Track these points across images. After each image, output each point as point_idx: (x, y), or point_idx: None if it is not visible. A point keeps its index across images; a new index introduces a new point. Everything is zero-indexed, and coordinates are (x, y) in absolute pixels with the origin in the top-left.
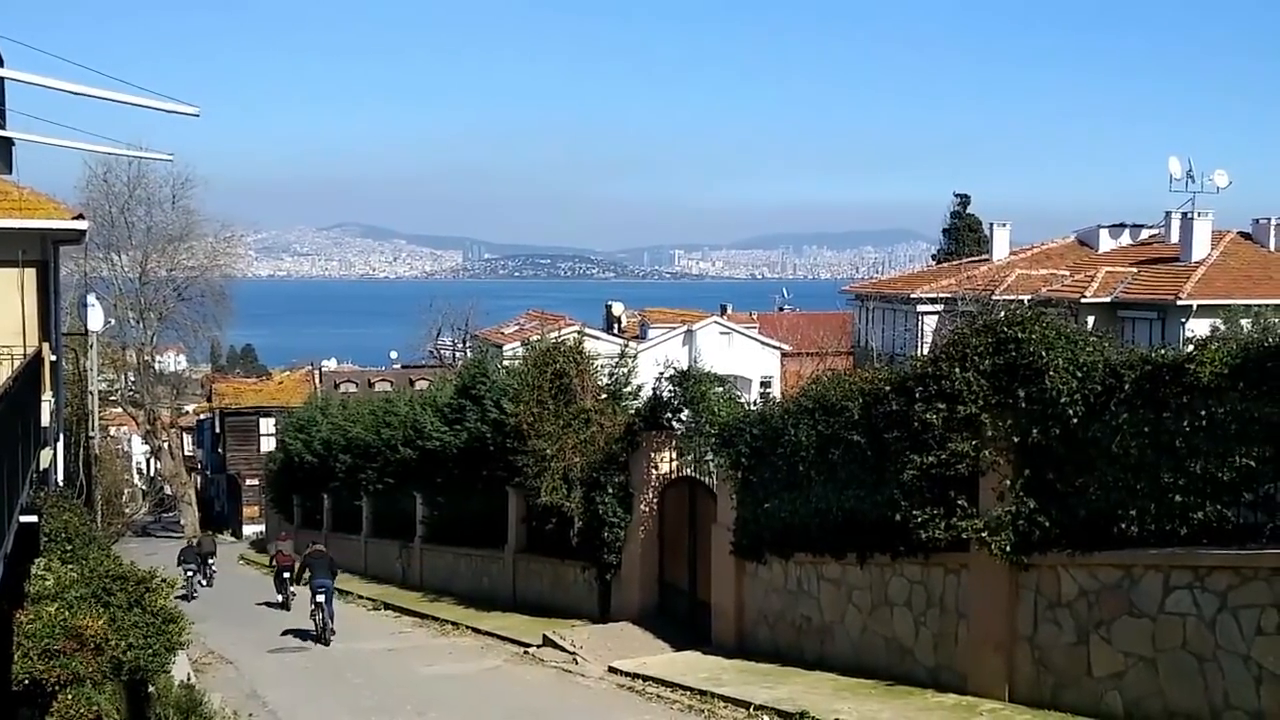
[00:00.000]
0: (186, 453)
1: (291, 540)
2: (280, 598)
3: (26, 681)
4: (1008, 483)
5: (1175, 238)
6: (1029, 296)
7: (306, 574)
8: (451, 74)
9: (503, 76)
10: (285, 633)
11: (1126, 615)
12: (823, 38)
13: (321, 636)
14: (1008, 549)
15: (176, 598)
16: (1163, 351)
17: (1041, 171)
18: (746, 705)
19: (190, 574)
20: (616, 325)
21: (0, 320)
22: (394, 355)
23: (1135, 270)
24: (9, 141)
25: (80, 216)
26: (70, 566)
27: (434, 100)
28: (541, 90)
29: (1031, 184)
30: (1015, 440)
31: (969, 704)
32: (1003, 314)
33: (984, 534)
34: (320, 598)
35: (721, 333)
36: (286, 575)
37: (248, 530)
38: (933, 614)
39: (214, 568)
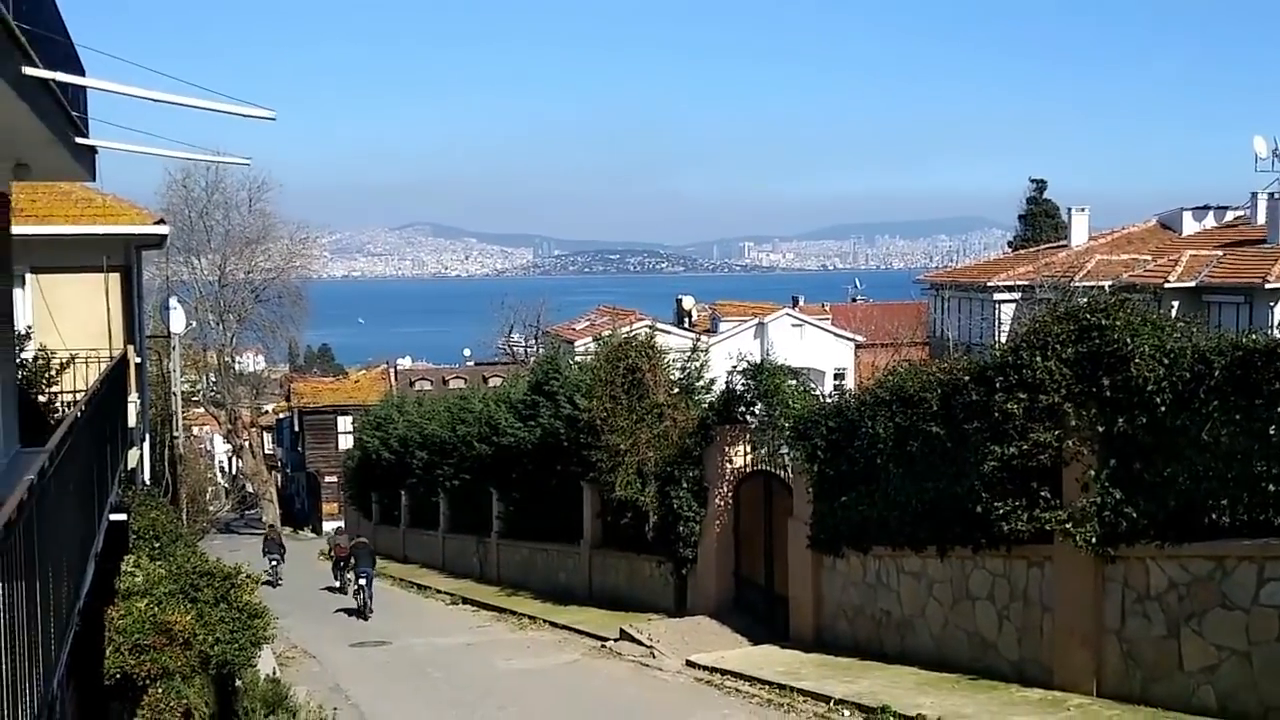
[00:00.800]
0: (267, 451)
1: (346, 536)
2: (338, 583)
3: (118, 676)
4: (1092, 473)
5: (1262, 219)
6: (1110, 282)
7: (353, 561)
8: (518, 71)
9: (569, 72)
10: (338, 610)
11: (1219, 608)
12: (890, 25)
13: (362, 613)
14: (1093, 541)
15: (264, 584)
16: (1254, 337)
17: (1121, 154)
18: (826, 699)
19: (275, 563)
20: (687, 319)
21: (86, 324)
22: (467, 353)
23: (1220, 253)
24: (92, 150)
25: (161, 221)
26: (158, 563)
27: (502, 98)
28: (609, 85)
29: (1111, 167)
30: (1099, 430)
31: (1056, 698)
32: (1085, 300)
33: (1068, 525)
34: (362, 581)
35: (794, 325)
36: (341, 564)
37: (327, 526)
38: (1016, 607)
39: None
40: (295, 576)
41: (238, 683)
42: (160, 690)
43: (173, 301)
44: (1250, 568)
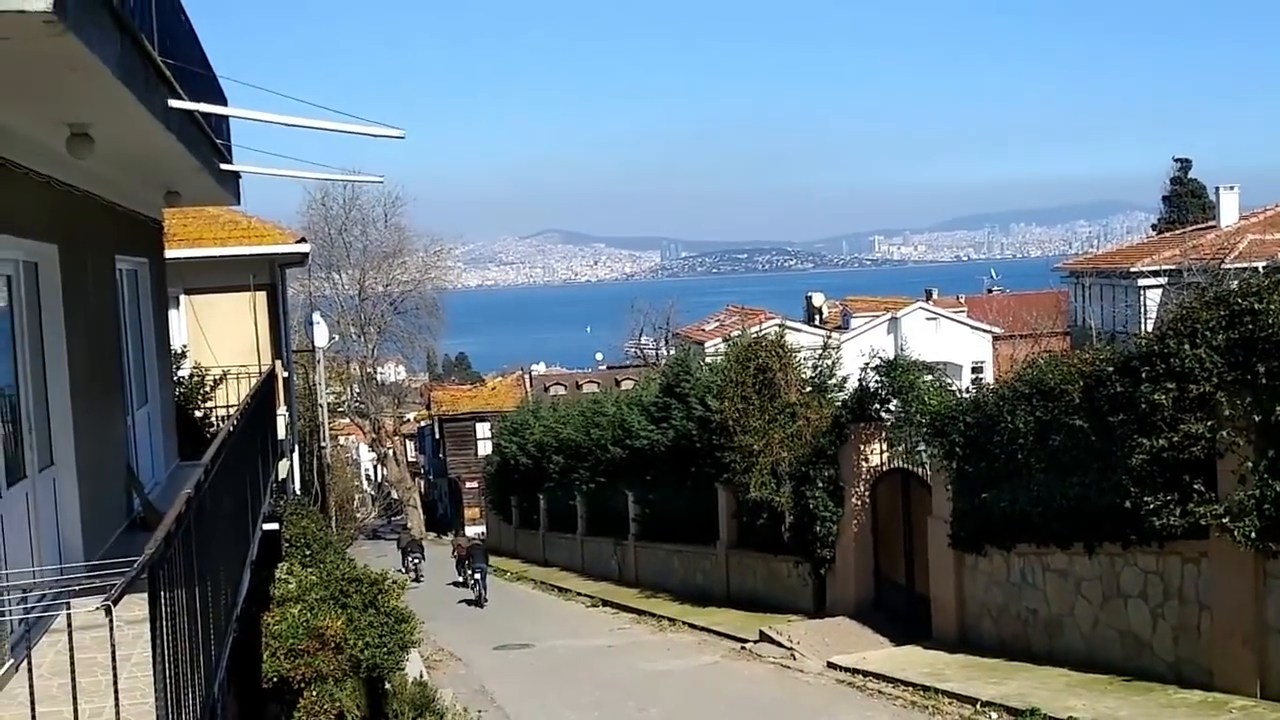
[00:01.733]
0: (410, 458)
1: (465, 538)
2: (461, 578)
3: (275, 679)
4: (1249, 465)
5: None
6: (1264, 263)
7: (470, 559)
8: (639, 74)
9: (687, 71)
10: (460, 601)
11: None
12: (1018, 5)
13: (478, 601)
14: (1253, 535)
15: (465, 602)
16: None
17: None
18: (973, 701)
19: (417, 561)
20: (817, 316)
21: (235, 341)
22: (599, 356)
23: None
24: (236, 175)
25: (302, 240)
26: (310, 570)
27: (622, 101)
28: (726, 81)
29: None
30: (1256, 419)
31: (1216, 701)
32: (1236, 284)
33: (1225, 520)
34: (478, 575)
35: (928, 318)
36: (464, 562)
37: (470, 531)
38: (1171, 606)
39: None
40: (435, 579)
41: (387, 685)
42: (315, 693)
43: (316, 316)
44: None
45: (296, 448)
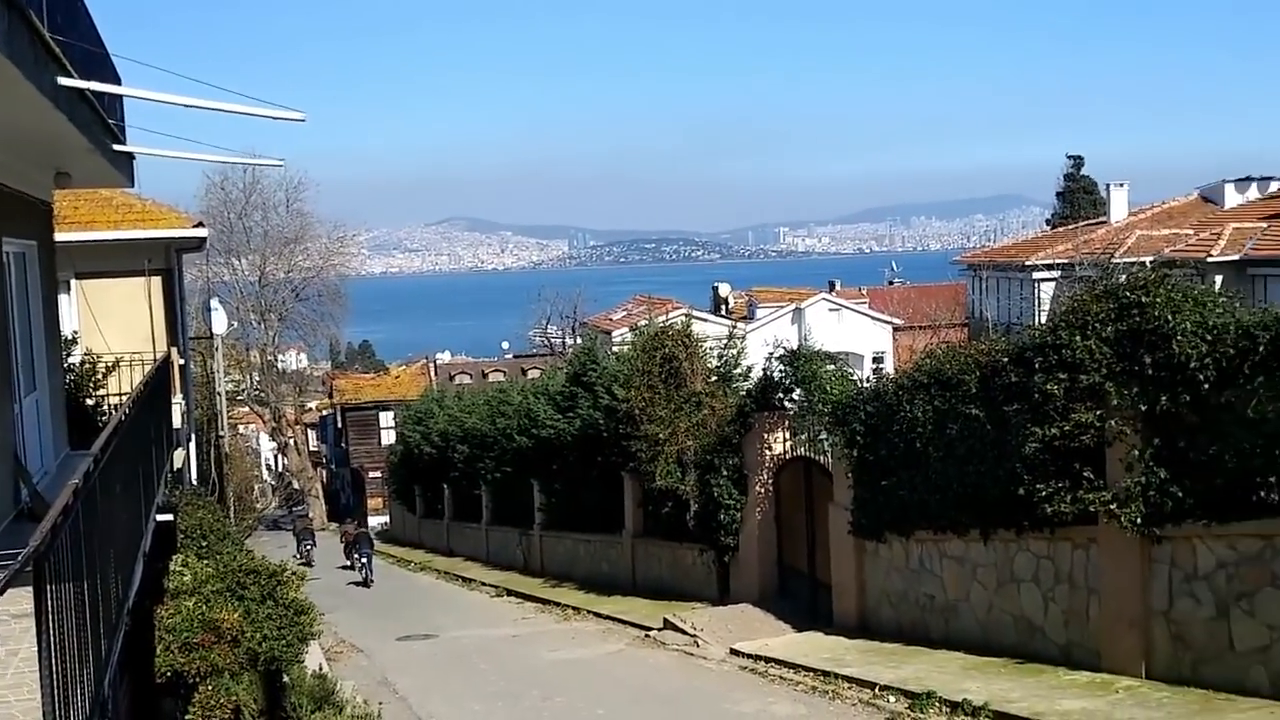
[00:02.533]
0: (311, 448)
1: (354, 524)
2: (349, 561)
3: (169, 674)
4: (1136, 453)
5: None
6: (1151, 258)
7: (355, 545)
8: (546, 60)
9: (605, 61)
10: (349, 583)
11: (1270, 587)
12: (917, 5)
13: (365, 582)
14: (1139, 521)
15: (353, 584)
16: None
17: (1160, 128)
18: (872, 685)
19: (309, 548)
20: (724, 306)
21: (130, 328)
22: (505, 345)
23: (1265, 225)
24: (130, 156)
25: (200, 224)
26: (205, 562)
27: (531, 89)
28: (643, 73)
29: (1149, 141)
30: (1142, 409)
31: (1104, 681)
32: (1125, 278)
33: (1113, 506)
34: (364, 559)
35: (830, 310)
36: (349, 547)
37: (373, 521)
38: (1062, 590)
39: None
40: (328, 566)
41: (285, 679)
42: (210, 687)
43: (214, 302)
44: None
45: (193, 437)
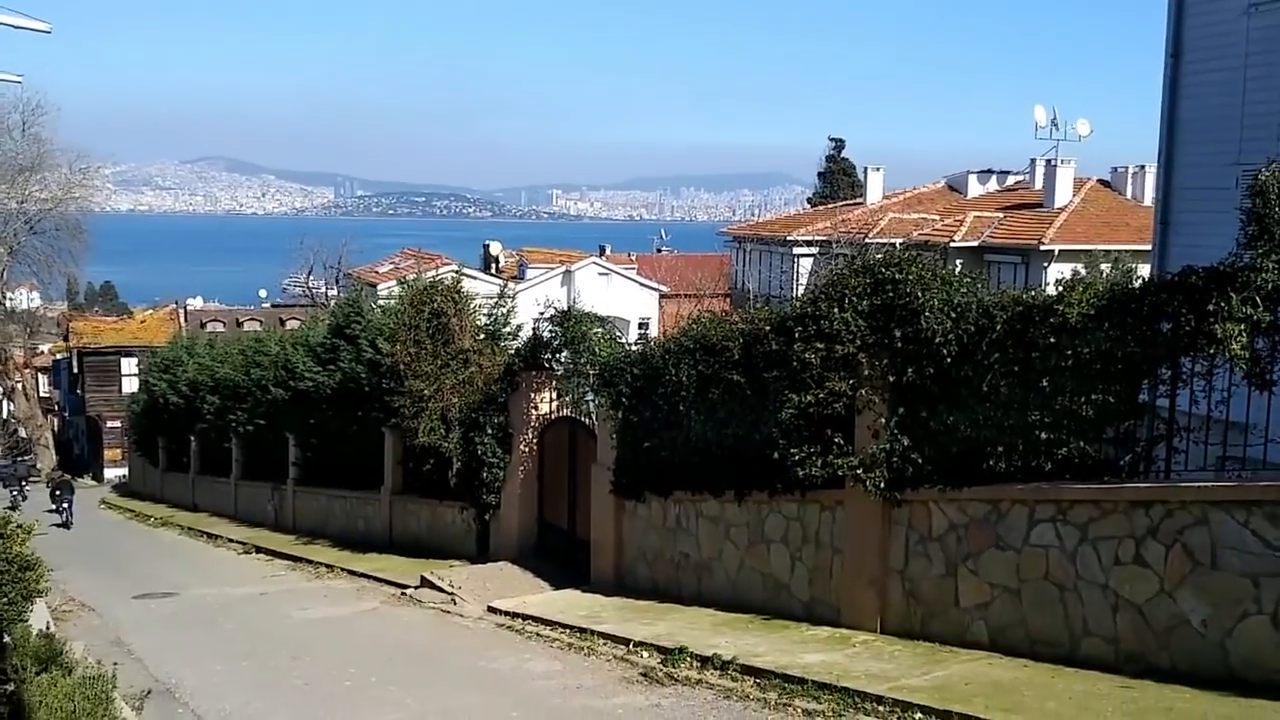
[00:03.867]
0: (43, 394)
1: (58, 472)
2: (54, 506)
3: None
4: (882, 421)
5: (1039, 184)
6: (901, 240)
7: (59, 490)
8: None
9: (373, 8)
10: (51, 525)
11: (993, 548)
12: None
13: (66, 524)
14: (881, 485)
15: (54, 526)
16: (1033, 293)
17: (915, 119)
18: (626, 642)
19: (68, 504)
20: (495, 265)
21: None
22: (263, 294)
23: (1001, 215)
24: None
25: None
26: None
27: (301, 30)
28: (413, 24)
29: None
30: (890, 379)
31: (843, 635)
32: (881, 255)
33: (859, 471)
34: (65, 504)
35: (600, 273)
36: (55, 493)
37: (110, 474)
38: (808, 550)
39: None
40: (73, 529)
41: (6, 639)
42: None
43: None
44: (1022, 510)
45: None
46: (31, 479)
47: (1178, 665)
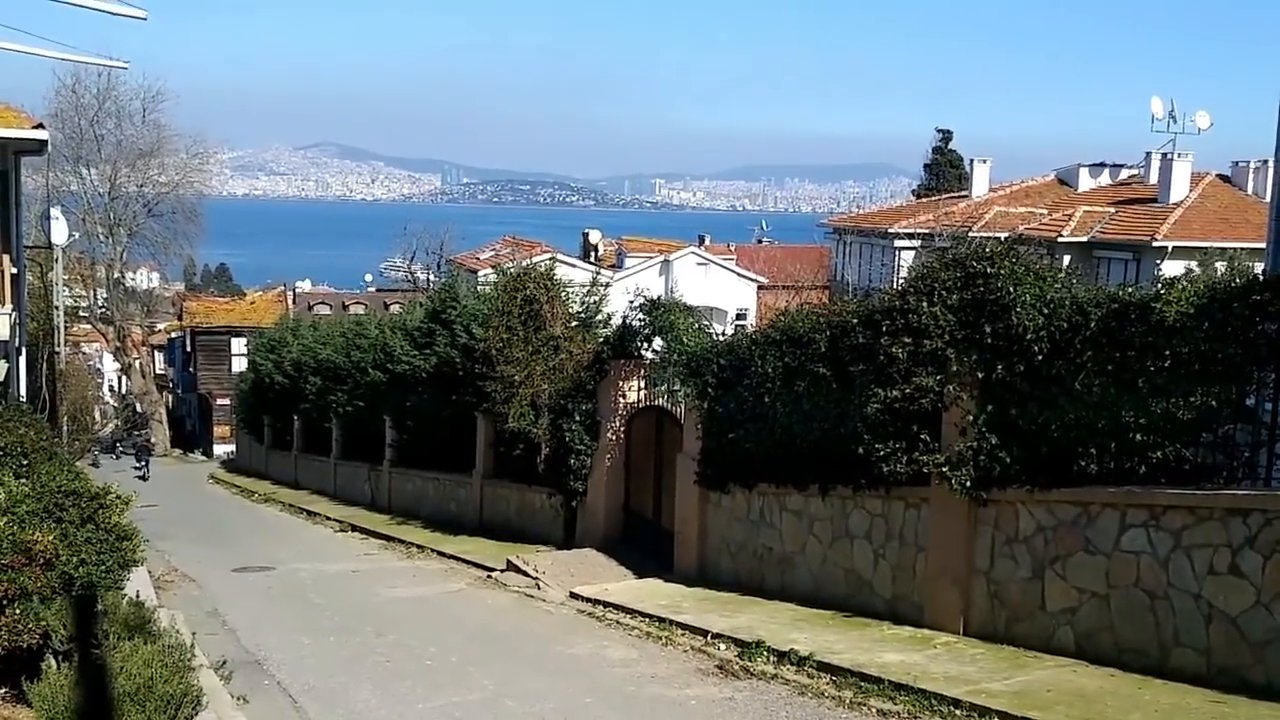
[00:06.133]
0: (158, 371)
1: (141, 437)
2: (139, 464)
3: None
4: (970, 418)
5: (1154, 178)
6: (1006, 234)
7: (141, 452)
8: None
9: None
10: (135, 475)
11: (1082, 552)
12: None
13: (144, 476)
14: (968, 484)
15: (137, 478)
16: (1129, 290)
17: (1026, 109)
18: (704, 633)
19: (144, 462)
20: (593, 253)
21: None
22: (368, 278)
23: (1113, 210)
24: None
25: (40, 126)
26: (22, 481)
27: (414, 15)
28: (525, 4)
29: (1015, 122)
30: (979, 376)
31: (924, 636)
32: (972, 248)
33: (945, 469)
34: (144, 462)
35: (699, 263)
36: (139, 453)
37: (219, 450)
38: (892, 547)
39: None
40: (179, 500)
41: (99, 606)
42: (18, 611)
43: (55, 211)
44: (1113, 514)
45: (24, 350)
46: (153, 453)
47: (1273, 681)
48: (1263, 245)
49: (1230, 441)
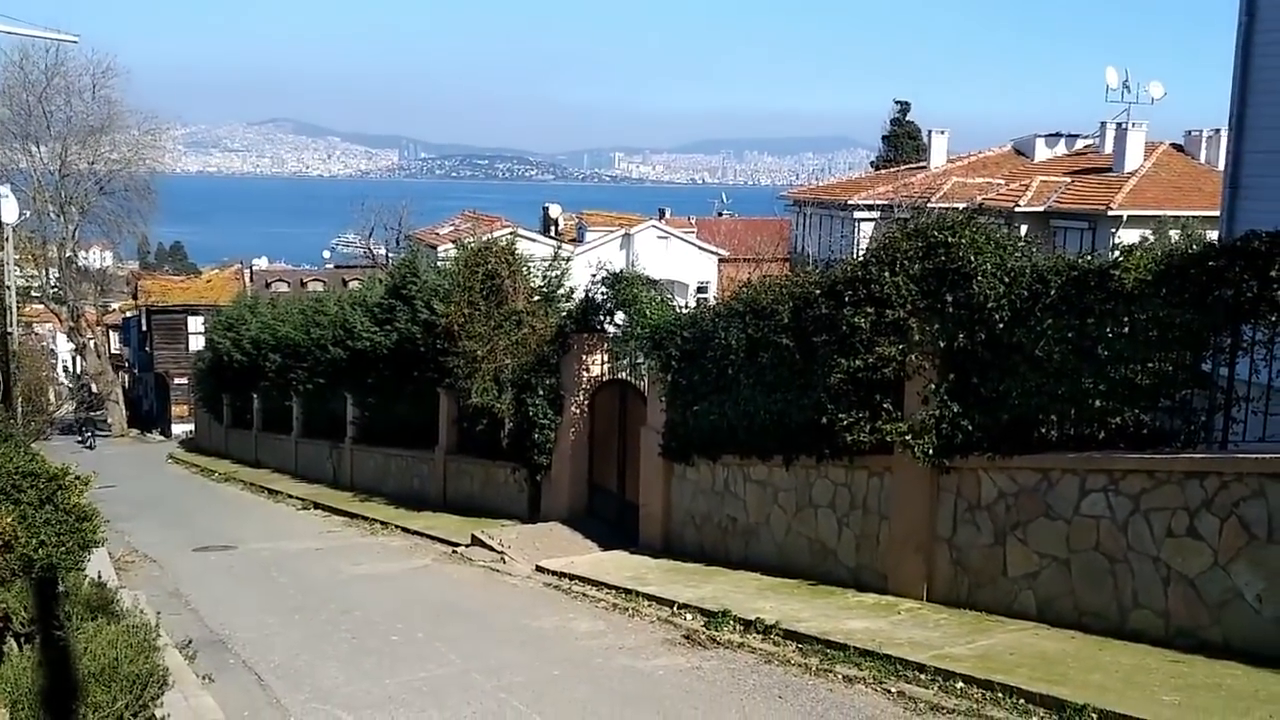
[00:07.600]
0: (113, 350)
1: (85, 414)
2: (80, 437)
3: None
4: (932, 387)
5: (1109, 148)
6: (964, 204)
7: (84, 428)
8: None
9: None
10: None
11: (1042, 517)
12: None
13: (90, 446)
14: (930, 452)
15: (82, 447)
16: (1088, 257)
17: (981, 81)
18: (671, 604)
19: (89, 434)
20: (554, 227)
21: None
22: (327, 255)
23: (1069, 180)
24: None
25: None
26: None
27: None
28: None
29: (971, 93)
30: (941, 345)
31: (888, 603)
32: (934, 218)
33: (908, 437)
34: (88, 434)
35: (659, 237)
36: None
37: (177, 429)
38: (855, 516)
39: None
40: (138, 481)
41: (60, 587)
42: None
43: (4, 189)
44: (1073, 480)
45: None
46: (99, 432)
47: (1230, 641)
48: (1215, 213)
49: (1188, 406)
